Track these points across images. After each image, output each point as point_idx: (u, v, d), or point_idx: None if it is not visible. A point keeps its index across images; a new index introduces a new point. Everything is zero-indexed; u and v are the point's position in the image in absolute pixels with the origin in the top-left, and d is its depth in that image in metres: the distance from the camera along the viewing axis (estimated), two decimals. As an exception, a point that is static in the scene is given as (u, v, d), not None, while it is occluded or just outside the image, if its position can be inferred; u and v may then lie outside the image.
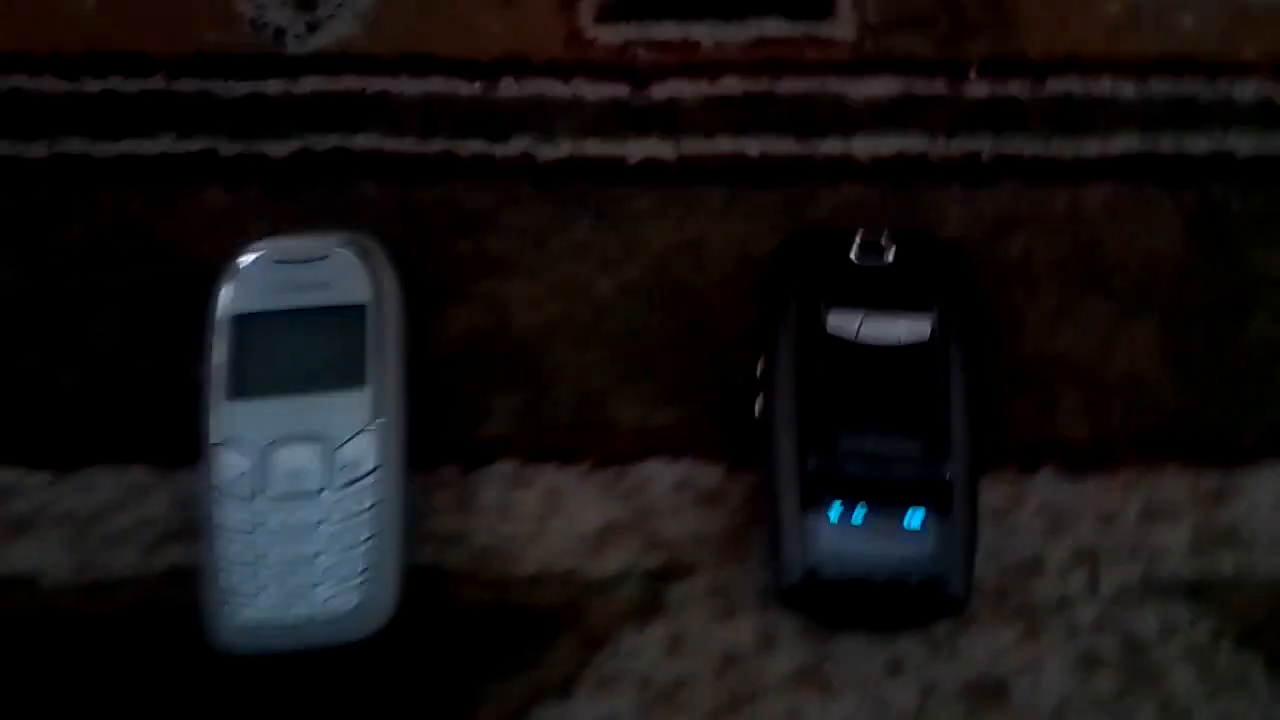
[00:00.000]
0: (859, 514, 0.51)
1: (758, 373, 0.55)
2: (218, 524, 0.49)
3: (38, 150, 0.61)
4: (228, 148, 0.61)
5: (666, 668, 0.54)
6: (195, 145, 0.60)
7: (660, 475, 0.56)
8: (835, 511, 0.51)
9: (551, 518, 0.56)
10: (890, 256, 0.55)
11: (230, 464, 0.50)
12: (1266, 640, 0.54)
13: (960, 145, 0.62)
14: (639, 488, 0.56)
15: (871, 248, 0.55)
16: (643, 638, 0.54)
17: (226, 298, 0.50)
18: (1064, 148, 0.62)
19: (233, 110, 0.61)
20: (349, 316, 0.50)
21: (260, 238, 0.55)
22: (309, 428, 0.49)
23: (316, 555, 0.50)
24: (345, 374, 0.49)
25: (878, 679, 0.54)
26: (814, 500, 0.50)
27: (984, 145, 0.62)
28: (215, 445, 0.50)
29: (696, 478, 0.56)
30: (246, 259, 0.51)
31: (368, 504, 0.50)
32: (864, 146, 0.62)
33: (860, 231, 0.56)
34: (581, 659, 0.54)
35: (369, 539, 0.50)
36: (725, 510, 0.56)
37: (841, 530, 0.50)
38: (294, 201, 0.60)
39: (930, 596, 0.51)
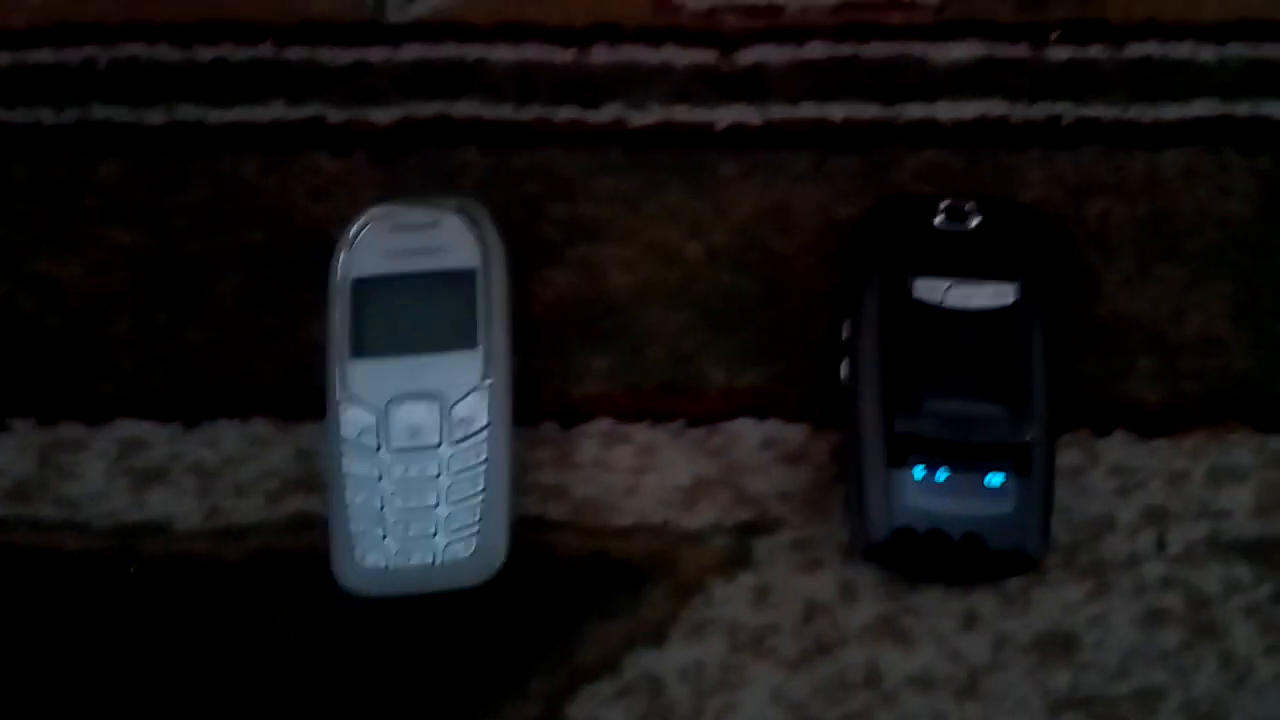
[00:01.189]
0: (942, 474, 0.53)
1: (843, 336, 0.57)
2: (345, 474, 0.53)
3: (155, 117, 0.63)
4: (335, 115, 0.63)
5: (753, 617, 0.57)
6: (304, 112, 0.63)
7: (747, 434, 0.59)
8: (920, 471, 0.53)
9: (645, 473, 0.59)
10: (974, 222, 0.57)
11: (355, 419, 0.53)
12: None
13: (1041, 110, 0.63)
14: (727, 445, 0.59)
15: (956, 214, 0.57)
16: (731, 588, 0.57)
17: (345, 262, 0.53)
18: (1143, 112, 0.63)
19: (338, 78, 0.64)
20: (461, 280, 0.53)
21: (369, 201, 0.58)
22: (426, 386, 0.52)
23: (435, 505, 0.53)
24: (458, 336, 0.52)
25: (953, 631, 0.57)
26: (900, 460, 0.53)
27: (1064, 109, 0.63)
28: (340, 401, 0.54)
29: (781, 437, 0.59)
30: (363, 225, 0.54)
31: (481, 458, 0.54)
32: (946, 110, 0.63)
33: (945, 198, 0.58)
34: (674, 607, 0.57)
35: (483, 491, 0.54)
36: (809, 468, 0.59)
37: (926, 489, 0.53)
38: (398, 166, 0.62)
39: (1009, 555, 0.54)
